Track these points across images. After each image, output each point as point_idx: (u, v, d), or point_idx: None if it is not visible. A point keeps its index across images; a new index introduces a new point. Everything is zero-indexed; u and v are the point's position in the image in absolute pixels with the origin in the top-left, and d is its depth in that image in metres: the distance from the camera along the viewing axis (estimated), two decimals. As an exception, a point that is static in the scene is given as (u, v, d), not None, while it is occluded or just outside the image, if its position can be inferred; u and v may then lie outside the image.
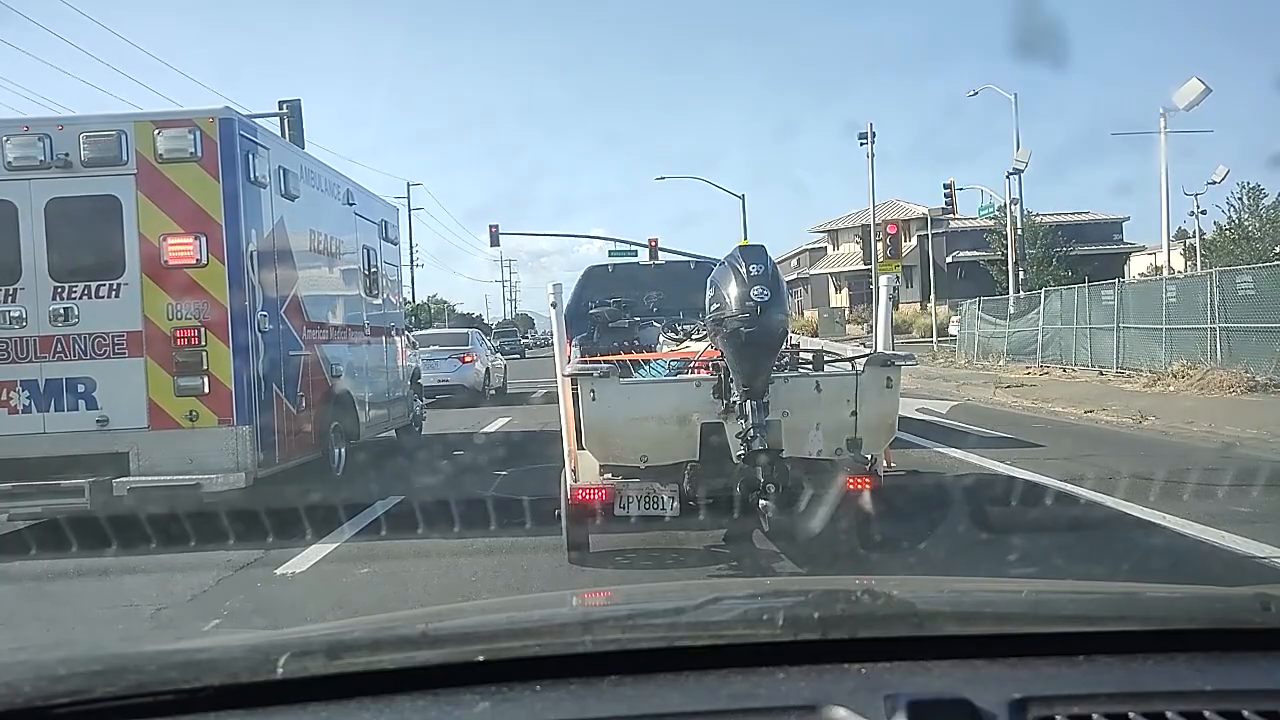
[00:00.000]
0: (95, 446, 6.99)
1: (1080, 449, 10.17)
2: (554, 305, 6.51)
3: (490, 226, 38.93)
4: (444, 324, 46.37)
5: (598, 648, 1.34)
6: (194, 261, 7.08)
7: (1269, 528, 6.03)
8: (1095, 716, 1.18)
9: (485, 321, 76.07)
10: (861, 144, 33.66)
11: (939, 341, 31.41)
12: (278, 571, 5.91)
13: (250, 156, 7.42)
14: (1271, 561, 5.39)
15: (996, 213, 33.63)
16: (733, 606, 1.61)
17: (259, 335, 7.45)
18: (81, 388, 7.08)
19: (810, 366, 5.73)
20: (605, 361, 5.69)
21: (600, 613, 1.86)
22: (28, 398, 7.07)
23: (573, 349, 6.77)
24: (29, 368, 7.06)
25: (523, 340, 54.22)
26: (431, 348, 18.01)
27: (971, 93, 31.91)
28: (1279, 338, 14.40)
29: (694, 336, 7.20)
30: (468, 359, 19.08)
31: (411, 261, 48.16)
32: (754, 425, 4.90)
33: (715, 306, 5.10)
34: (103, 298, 7.09)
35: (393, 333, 11.86)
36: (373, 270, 10.97)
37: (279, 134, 14.25)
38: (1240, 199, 38.04)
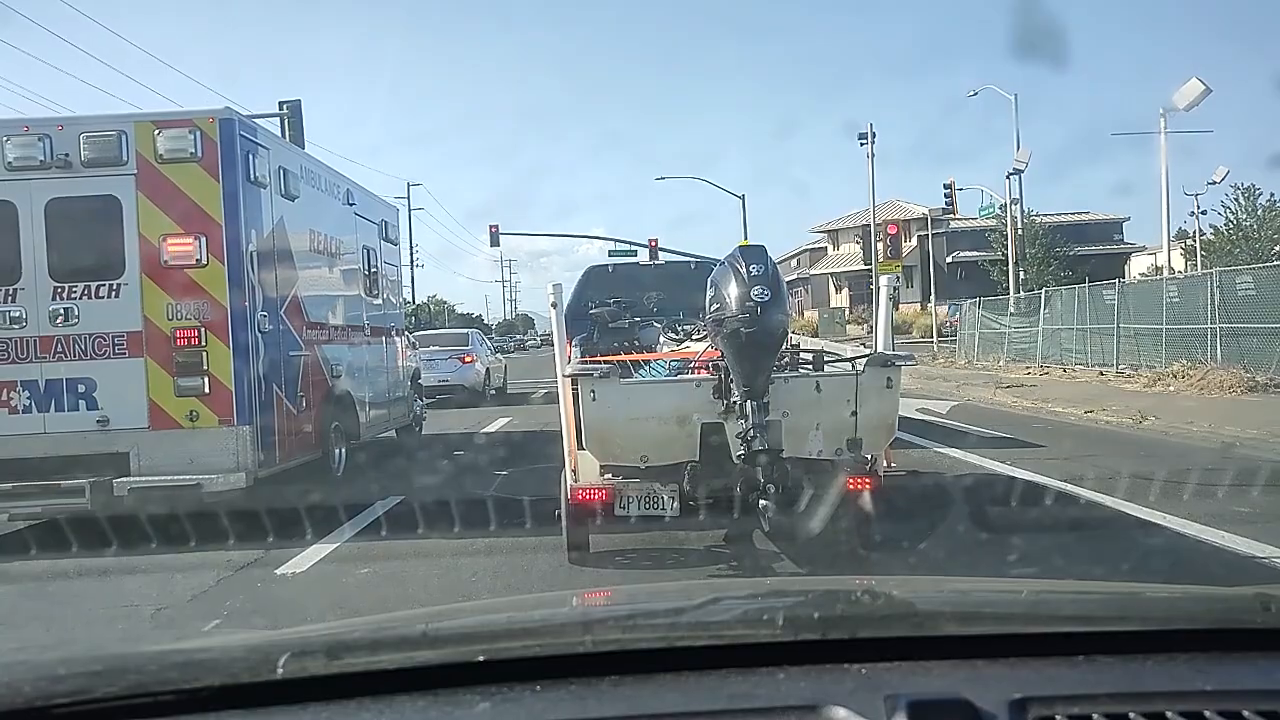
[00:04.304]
0: (95, 446, 6.99)
1: (1080, 449, 10.17)
2: (554, 305, 6.51)
3: (490, 226, 39.02)
4: (444, 324, 46.43)
5: (598, 648, 1.34)
6: (194, 261, 7.08)
7: (1269, 528, 6.03)
8: (1095, 716, 1.18)
9: (485, 321, 76.25)
10: (861, 144, 33.69)
11: (939, 341, 31.42)
12: (278, 571, 5.91)
13: (250, 156, 7.42)
14: (1271, 561, 5.39)
15: (999, 211, 33.62)
16: (733, 606, 1.61)
17: (259, 335, 7.45)
18: (82, 388, 7.07)
19: (810, 366, 5.73)
20: (605, 361, 5.69)
21: (600, 613, 1.86)
22: (28, 398, 7.07)
23: (573, 349, 6.77)
24: (29, 368, 7.06)
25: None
26: (431, 348, 18.02)
27: (971, 93, 32.00)
28: (1279, 338, 14.40)
29: (694, 336, 7.20)
30: (468, 359, 19.08)
31: (411, 261, 48.20)
32: (754, 425, 4.89)
33: (715, 306, 5.10)
34: (103, 298, 7.09)
35: (393, 333, 11.87)
36: (373, 270, 10.97)
37: (279, 134, 14.26)
38: (1236, 200, 38.09)
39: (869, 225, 35.11)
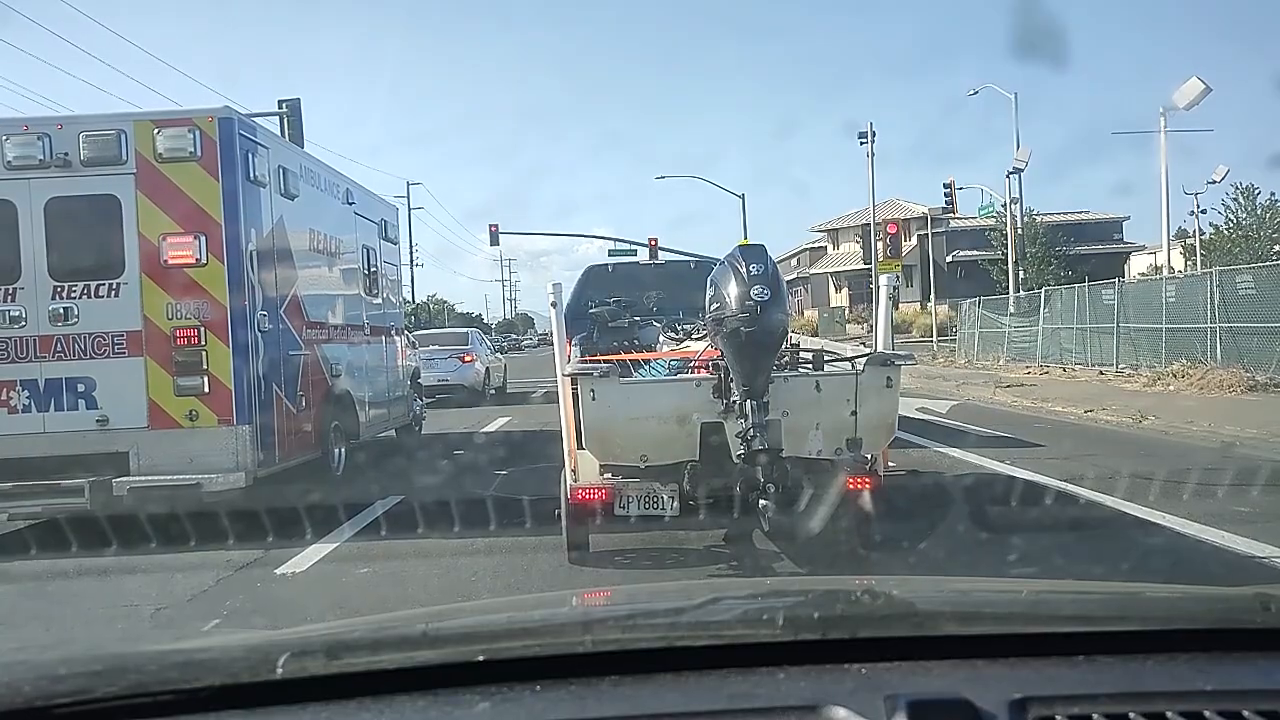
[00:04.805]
0: (95, 446, 6.98)
1: (1080, 448, 10.17)
2: (554, 305, 6.51)
3: (490, 226, 38.90)
4: (444, 324, 46.47)
5: (598, 648, 1.34)
6: (193, 261, 7.08)
7: (1269, 528, 6.03)
8: (1095, 716, 1.18)
9: (485, 321, 76.43)
10: (861, 143, 33.67)
11: (939, 341, 31.42)
12: (278, 571, 5.91)
13: (250, 156, 7.42)
14: (1271, 561, 5.40)
15: (999, 210, 33.61)
16: (733, 606, 1.61)
17: (259, 335, 7.45)
18: (81, 387, 7.07)
19: (810, 366, 5.73)
20: (605, 361, 5.69)
21: (600, 613, 1.86)
22: (27, 397, 7.07)
23: (573, 348, 6.77)
24: (29, 367, 7.06)
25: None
26: (431, 347, 18.02)
27: (971, 92, 32.06)
28: (1279, 337, 14.40)
29: (694, 336, 7.20)
30: (467, 359, 19.08)
31: (411, 261, 48.18)
32: (754, 425, 4.89)
33: (715, 306, 5.10)
34: (102, 297, 7.09)
35: (392, 332, 11.86)
36: (372, 270, 10.97)
37: (279, 134, 14.25)
38: (1235, 199, 38.13)
39: (869, 224, 35.13)
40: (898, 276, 16.29)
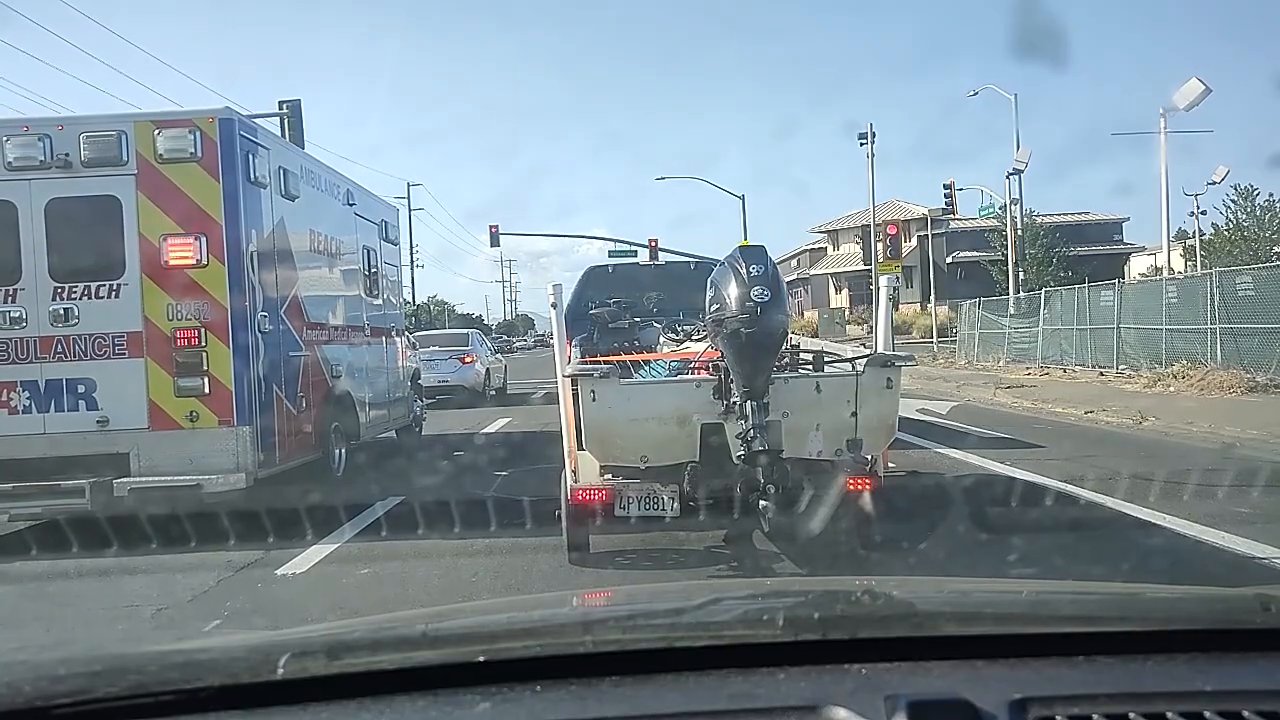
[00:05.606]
0: (95, 447, 6.99)
1: (1080, 449, 10.17)
2: (554, 305, 6.51)
3: (490, 226, 38.92)
4: (444, 325, 46.49)
5: (598, 648, 1.34)
6: (194, 262, 7.08)
7: (1269, 528, 6.03)
8: (1095, 716, 1.18)
9: (485, 322, 76.63)
10: (861, 144, 33.62)
11: (939, 342, 31.42)
12: (278, 572, 5.91)
13: (250, 156, 7.42)
14: (1271, 562, 5.39)
15: (998, 211, 33.60)
16: (733, 607, 1.61)
17: (259, 336, 7.45)
18: (82, 388, 7.07)
19: (810, 367, 5.73)
20: (605, 362, 5.69)
21: (600, 613, 1.86)
22: (28, 398, 7.07)
23: (573, 349, 6.77)
24: (29, 368, 7.06)
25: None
26: (431, 348, 18.01)
27: (971, 93, 32.12)
28: (1279, 338, 14.41)
29: (694, 337, 7.21)
30: (468, 360, 19.08)
31: (411, 262, 48.18)
32: (754, 426, 4.89)
33: (715, 307, 5.10)
34: (103, 298, 7.09)
35: (393, 333, 11.87)
36: (373, 271, 10.97)
37: (279, 134, 14.25)
38: (1235, 200, 38.16)
39: (869, 225, 35.08)
40: (898, 277, 16.30)
